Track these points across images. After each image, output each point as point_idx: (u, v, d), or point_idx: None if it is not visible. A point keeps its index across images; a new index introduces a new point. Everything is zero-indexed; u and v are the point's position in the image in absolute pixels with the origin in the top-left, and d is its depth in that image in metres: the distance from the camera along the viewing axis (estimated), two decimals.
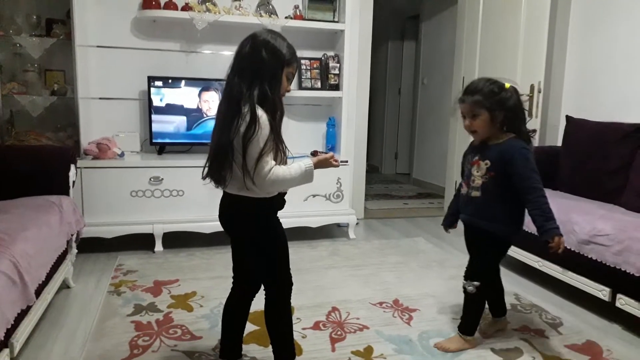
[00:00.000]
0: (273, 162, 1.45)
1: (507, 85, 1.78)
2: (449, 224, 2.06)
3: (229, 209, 1.59)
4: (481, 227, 1.85)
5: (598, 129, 2.84)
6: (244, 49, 1.48)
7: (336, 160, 1.59)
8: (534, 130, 1.84)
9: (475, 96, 1.78)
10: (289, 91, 1.55)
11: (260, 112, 1.42)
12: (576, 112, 3.19)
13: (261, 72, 1.45)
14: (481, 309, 1.94)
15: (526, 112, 1.83)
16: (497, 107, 1.76)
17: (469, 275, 1.91)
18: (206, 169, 1.54)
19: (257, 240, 1.58)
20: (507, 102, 1.76)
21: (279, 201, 1.59)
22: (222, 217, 1.62)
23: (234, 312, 1.70)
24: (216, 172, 1.50)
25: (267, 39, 1.47)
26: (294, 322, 2.08)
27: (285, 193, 1.61)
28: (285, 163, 1.52)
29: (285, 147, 1.52)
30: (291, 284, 1.63)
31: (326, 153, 1.64)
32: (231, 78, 1.48)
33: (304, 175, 1.50)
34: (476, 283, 1.87)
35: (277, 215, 1.61)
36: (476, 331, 1.96)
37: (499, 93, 1.76)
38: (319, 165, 1.55)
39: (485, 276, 1.90)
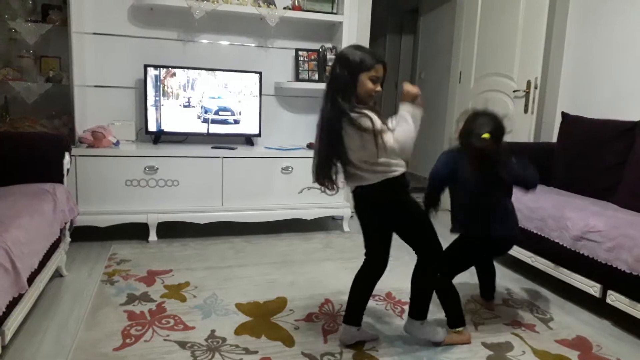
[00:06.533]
0: (389, 133, 1.64)
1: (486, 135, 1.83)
2: None
3: (368, 197, 1.81)
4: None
5: (593, 126, 2.85)
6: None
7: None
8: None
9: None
10: (377, 92, 1.71)
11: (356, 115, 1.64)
12: (572, 108, 3.19)
13: (336, 84, 1.68)
14: (450, 299, 1.97)
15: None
16: None
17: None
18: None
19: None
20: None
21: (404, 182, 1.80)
22: (365, 207, 1.86)
23: (361, 284, 1.91)
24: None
25: (341, 54, 1.72)
26: (286, 313, 2.12)
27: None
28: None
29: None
30: (440, 256, 1.87)
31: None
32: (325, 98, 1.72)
33: (414, 117, 1.68)
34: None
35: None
36: (463, 322, 1.96)
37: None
38: (408, 98, 1.72)
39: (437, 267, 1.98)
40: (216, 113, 3.34)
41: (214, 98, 3.32)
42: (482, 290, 2.31)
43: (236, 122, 3.40)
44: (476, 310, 2.25)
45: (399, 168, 1.76)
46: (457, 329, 1.95)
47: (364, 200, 1.83)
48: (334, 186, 1.81)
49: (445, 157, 2.03)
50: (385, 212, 1.80)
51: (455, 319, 1.96)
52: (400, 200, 1.80)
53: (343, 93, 1.67)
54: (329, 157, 1.74)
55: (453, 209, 2.05)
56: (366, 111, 1.65)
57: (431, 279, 1.90)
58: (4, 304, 1.54)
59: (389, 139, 1.62)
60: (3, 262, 1.54)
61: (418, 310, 1.91)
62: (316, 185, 3.59)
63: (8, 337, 1.64)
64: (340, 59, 1.71)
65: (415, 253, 1.88)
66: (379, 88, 1.71)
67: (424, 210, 1.94)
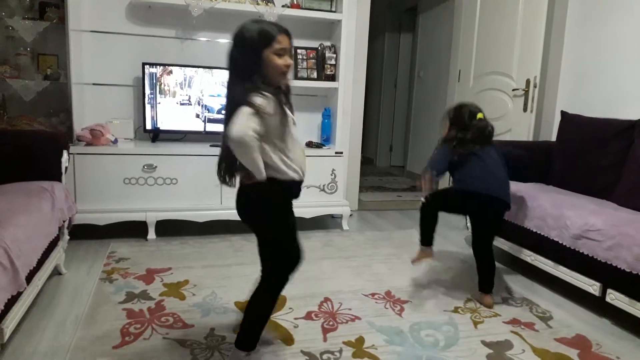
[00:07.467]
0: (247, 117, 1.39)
1: (480, 115, 2.29)
2: None
3: (249, 192, 1.60)
4: None
5: (592, 125, 2.85)
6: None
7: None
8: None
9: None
10: (288, 66, 1.50)
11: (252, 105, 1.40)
12: (571, 107, 3.19)
13: (236, 68, 1.48)
14: (423, 222, 2.38)
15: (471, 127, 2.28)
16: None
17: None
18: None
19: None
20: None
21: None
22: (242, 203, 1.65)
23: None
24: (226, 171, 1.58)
25: (237, 33, 1.48)
26: (285, 312, 2.11)
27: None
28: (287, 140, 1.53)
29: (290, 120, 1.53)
30: (286, 280, 1.65)
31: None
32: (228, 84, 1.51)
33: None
34: (422, 199, 2.38)
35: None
36: (429, 242, 2.38)
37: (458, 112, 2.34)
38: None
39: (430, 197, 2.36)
40: (219, 112, 3.33)
41: (213, 96, 3.31)
42: (481, 283, 2.34)
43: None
44: (476, 309, 2.25)
45: (293, 173, 1.56)
46: (422, 246, 2.40)
47: (244, 195, 1.61)
48: (234, 182, 1.60)
49: (443, 150, 2.29)
50: (257, 209, 1.60)
51: (423, 237, 2.39)
52: (276, 205, 1.60)
53: (246, 76, 1.43)
54: (229, 150, 1.46)
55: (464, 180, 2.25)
56: (267, 94, 1.42)
57: (268, 303, 1.64)
58: (2, 302, 1.54)
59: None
60: (1, 260, 1.53)
61: (246, 338, 1.64)
62: (316, 183, 3.62)
63: (7, 335, 1.63)
64: (236, 38, 1.47)
65: (262, 267, 1.67)
66: (289, 61, 1.49)
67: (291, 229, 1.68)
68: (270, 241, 1.65)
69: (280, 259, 1.65)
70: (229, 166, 1.56)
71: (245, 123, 1.37)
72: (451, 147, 2.27)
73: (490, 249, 2.33)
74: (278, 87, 1.51)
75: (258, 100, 1.40)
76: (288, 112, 1.52)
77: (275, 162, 1.51)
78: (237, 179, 1.62)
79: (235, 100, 1.43)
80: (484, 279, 2.33)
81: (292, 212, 1.68)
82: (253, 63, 1.45)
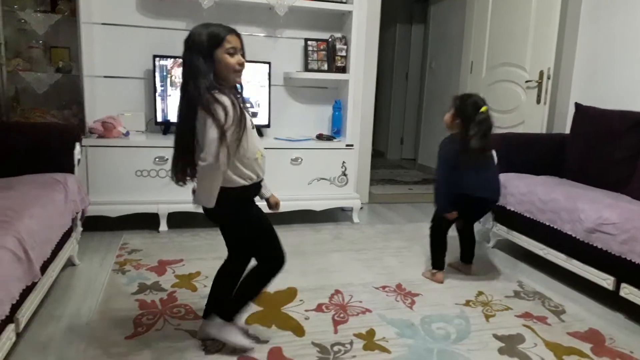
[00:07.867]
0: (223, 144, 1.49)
1: (484, 108, 2.29)
2: None
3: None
4: None
5: (607, 117, 2.81)
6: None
7: None
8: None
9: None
10: (241, 64, 1.55)
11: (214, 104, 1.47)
12: (585, 99, 3.15)
13: (190, 71, 1.52)
14: (435, 247, 2.48)
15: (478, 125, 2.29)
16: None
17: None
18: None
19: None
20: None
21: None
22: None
23: (223, 279, 1.80)
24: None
25: (187, 38, 1.55)
26: (296, 303, 2.12)
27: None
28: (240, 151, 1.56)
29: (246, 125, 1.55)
30: (283, 262, 1.71)
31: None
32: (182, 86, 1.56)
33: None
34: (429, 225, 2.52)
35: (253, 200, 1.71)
36: (441, 268, 2.46)
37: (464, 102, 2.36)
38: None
39: (433, 221, 2.49)
40: None
41: None
42: (462, 254, 2.59)
43: (254, 114, 3.35)
44: (487, 302, 2.24)
45: (243, 181, 1.59)
46: (432, 270, 2.48)
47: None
48: (187, 183, 1.68)
49: (447, 146, 2.42)
50: (224, 218, 1.69)
51: (433, 261, 2.48)
52: (238, 212, 1.64)
53: (199, 77, 1.48)
54: (184, 151, 1.59)
55: (463, 183, 2.31)
56: (224, 97, 1.48)
57: (260, 284, 1.72)
58: (18, 292, 1.56)
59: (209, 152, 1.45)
60: (16, 251, 1.55)
61: (228, 308, 1.72)
62: (326, 176, 3.60)
63: (22, 325, 1.65)
64: (187, 43, 1.53)
65: (256, 260, 1.73)
66: (242, 60, 1.55)
67: (264, 222, 1.70)
68: (243, 240, 1.71)
69: (261, 252, 1.70)
70: (183, 168, 1.63)
71: (222, 153, 1.46)
72: (454, 150, 2.35)
73: (473, 230, 2.59)
74: (233, 86, 1.57)
75: (220, 113, 1.45)
76: (247, 114, 1.56)
77: (227, 174, 1.56)
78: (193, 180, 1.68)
79: (192, 100, 1.48)
80: (467, 251, 2.57)
81: (256, 209, 1.71)
82: (206, 64, 1.50)
